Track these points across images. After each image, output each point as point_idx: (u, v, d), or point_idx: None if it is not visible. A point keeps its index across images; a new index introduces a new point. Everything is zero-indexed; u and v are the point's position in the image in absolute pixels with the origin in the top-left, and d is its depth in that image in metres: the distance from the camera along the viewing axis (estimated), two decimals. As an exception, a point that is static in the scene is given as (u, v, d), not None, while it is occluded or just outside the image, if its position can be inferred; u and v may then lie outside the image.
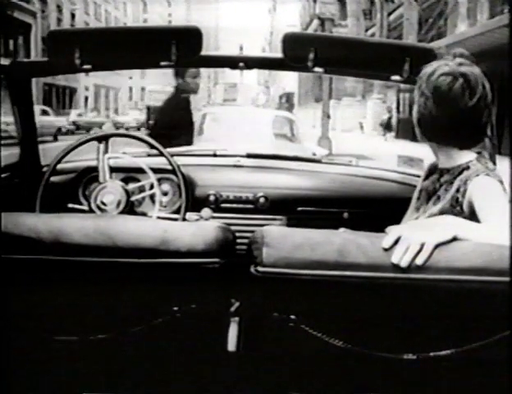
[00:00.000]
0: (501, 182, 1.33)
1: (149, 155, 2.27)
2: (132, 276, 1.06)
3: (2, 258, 1.01)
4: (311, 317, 1.07)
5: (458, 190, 1.35)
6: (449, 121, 1.36)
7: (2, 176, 2.13)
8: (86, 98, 39.73)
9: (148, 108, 20.24)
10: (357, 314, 1.06)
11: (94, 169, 2.08)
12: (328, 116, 14.45)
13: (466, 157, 1.39)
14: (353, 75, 3.08)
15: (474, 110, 1.34)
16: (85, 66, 1.79)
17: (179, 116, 3.45)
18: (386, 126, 20.26)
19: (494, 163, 1.98)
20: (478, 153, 1.41)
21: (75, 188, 2.26)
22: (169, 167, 2.03)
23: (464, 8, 14.69)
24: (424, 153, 1.68)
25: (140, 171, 2.08)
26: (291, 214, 2.28)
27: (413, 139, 1.84)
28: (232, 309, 1.18)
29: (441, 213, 1.35)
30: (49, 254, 1.03)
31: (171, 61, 1.75)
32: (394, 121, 20.44)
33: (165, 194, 2.27)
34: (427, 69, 1.39)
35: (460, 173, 1.37)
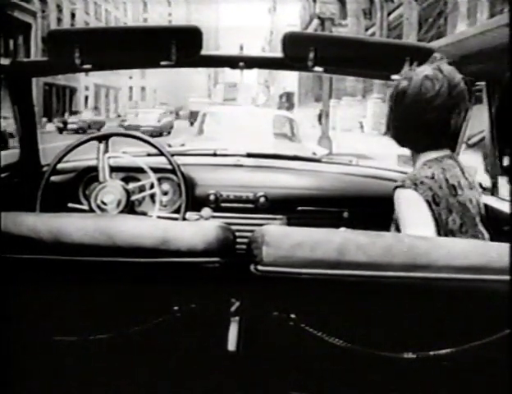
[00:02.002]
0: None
1: (149, 155, 2.27)
2: (132, 276, 1.06)
3: (2, 258, 1.01)
4: (311, 316, 1.07)
5: None
6: (400, 123, 1.41)
7: (2, 175, 2.13)
8: (86, 98, 39.75)
9: (191, 113, 30.07)
10: (357, 313, 1.06)
11: (94, 169, 2.08)
12: (327, 115, 14.45)
13: (421, 161, 1.42)
14: (353, 75, 3.08)
15: (426, 115, 1.35)
16: (85, 66, 1.79)
17: None
18: None
19: (492, 165, 1.98)
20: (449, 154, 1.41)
21: (76, 187, 2.26)
22: (169, 167, 2.03)
23: (463, 8, 14.66)
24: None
25: (140, 170, 2.08)
26: (291, 214, 2.28)
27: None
28: (232, 308, 1.17)
29: None
30: (49, 253, 1.03)
31: (171, 61, 1.75)
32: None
33: (165, 193, 2.27)
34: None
35: None
